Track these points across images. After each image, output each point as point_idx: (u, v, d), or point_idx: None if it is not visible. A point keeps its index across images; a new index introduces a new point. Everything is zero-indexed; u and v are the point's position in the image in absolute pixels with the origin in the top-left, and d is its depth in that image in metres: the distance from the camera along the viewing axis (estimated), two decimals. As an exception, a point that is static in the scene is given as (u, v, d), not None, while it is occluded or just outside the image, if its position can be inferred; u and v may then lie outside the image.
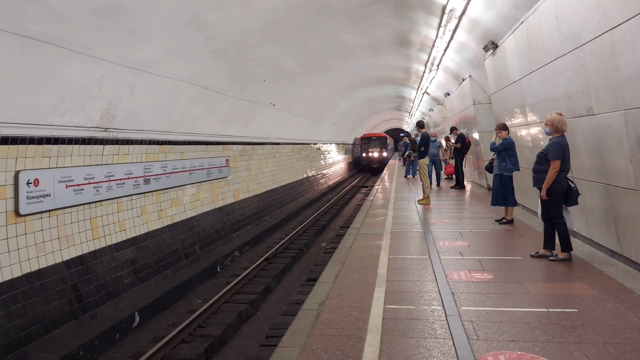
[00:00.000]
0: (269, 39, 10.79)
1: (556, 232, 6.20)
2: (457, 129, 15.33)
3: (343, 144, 35.93)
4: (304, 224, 15.99)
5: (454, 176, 17.91)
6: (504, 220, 8.79)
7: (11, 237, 6.34)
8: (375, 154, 39.88)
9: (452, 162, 16.79)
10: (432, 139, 16.13)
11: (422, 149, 12.00)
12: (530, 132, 8.84)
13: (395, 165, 31.12)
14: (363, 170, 41.92)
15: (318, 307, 4.80)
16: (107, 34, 6.93)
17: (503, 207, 8.84)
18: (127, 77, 7.93)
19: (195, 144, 11.54)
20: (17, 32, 5.57)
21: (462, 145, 14.29)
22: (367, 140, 40.90)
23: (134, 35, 7.41)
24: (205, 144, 12.08)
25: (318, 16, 10.56)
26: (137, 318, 7.77)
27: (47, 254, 6.92)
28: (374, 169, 39.32)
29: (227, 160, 13.53)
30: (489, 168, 9.03)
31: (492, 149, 8.76)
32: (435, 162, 16.28)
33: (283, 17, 9.90)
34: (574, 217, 7.35)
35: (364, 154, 40.49)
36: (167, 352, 6.64)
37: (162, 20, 7.62)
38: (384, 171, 27.15)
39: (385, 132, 55.36)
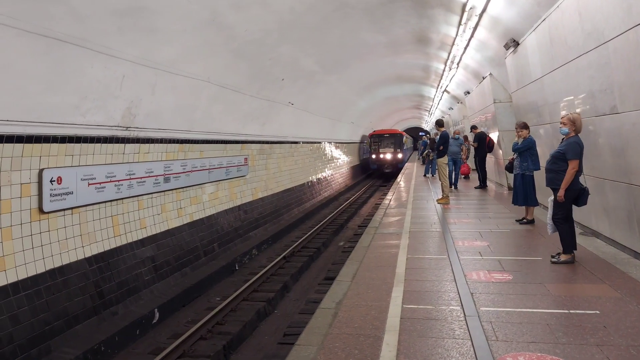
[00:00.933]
0: (287, 39, 10.82)
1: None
2: (476, 128, 15.17)
3: (360, 143, 35.67)
4: (321, 222, 16.00)
5: (469, 176, 17.75)
6: (525, 220, 8.68)
7: (35, 234, 6.48)
8: (388, 156, 32.44)
9: (466, 162, 16.67)
10: (456, 136, 15.70)
11: (441, 147, 11.91)
12: (551, 131, 8.71)
13: (414, 165, 30.89)
14: (373, 175, 35.32)
15: (336, 305, 4.80)
16: (129, 34, 7.02)
17: (524, 207, 8.74)
18: (147, 76, 8.03)
19: (214, 143, 11.63)
20: (42, 32, 5.68)
21: (483, 144, 14.11)
22: (378, 138, 33.25)
23: (155, 36, 7.50)
24: (224, 143, 12.17)
25: (336, 15, 10.55)
26: (157, 314, 7.87)
27: (69, 250, 7.05)
28: (385, 174, 32.40)
29: (245, 159, 13.61)
30: (509, 168, 8.94)
31: (514, 150, 8.67)
32: (457, 161, 15.32)
33: (301, 16, 9.92)
34: (597, 217, 7.23)
35: (373, 155, 32.94)
36: (186, 348, 6.71)
37: (182, 21, 7.69)
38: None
39: (403, 131, 48.20)
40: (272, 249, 13.02)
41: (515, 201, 8.71)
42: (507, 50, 10.41)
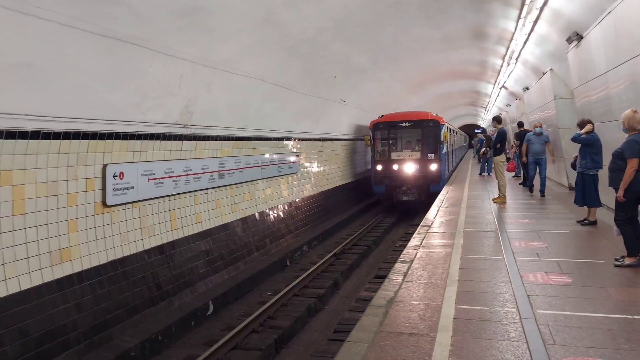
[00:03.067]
0: (340, 36, 10.83)
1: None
2: (522, 125, 14.61)
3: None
4: (372, 220, 15.92)
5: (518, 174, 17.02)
6: (587, 222, 8.31)
7: (99, 227, 6.81)
8: (411, 167, 16.99)
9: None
10: (537, 129, 12.45)
11: (498, 145, 11.58)
12: (616, 129, 8.28)
13: (469, 163, 30.04)
14: (379, 202, 19.96)
15: (386, 304, 4.78)
16: (187, 34, 7.24)
17: (585, 208, 8.37)
18: (204, 75, 8.25)
19: (267, 140, 11.82)
20: (105, 33, 5.94)
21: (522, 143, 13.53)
22: (388, 130, 17.67)
23: (211, 35, 7.69)
24: (276, 140, 12.34)
25: (390, 11, 10.46)
26: (211, 307, 8.08)
27: (130, 243, 7.36)
28: (403, 204, 17.38)
29: (297, 156, 13.74)
30: (574, 165, 8.59)
31: (572, 139, 8.32)
32: (540, 162, 12.26)
33: (355, 13, 9.90)
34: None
35: (378, 166, 17.40)
36: (238, 341, 6.86)
37: (237, 20, 7.85)
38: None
39: (460, 128, 39.66)
40: (322, 245, 13.09)
41: (577, 200, 8.39)
42: (569, 44, 9.98)
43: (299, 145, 13.89)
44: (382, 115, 17.78)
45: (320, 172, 15.86)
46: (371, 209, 19.38)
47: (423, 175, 16.75)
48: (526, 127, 15.48)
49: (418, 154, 17.13)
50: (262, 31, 8.66)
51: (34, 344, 5.47)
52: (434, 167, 16.79)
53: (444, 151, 17.10)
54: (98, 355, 6.01)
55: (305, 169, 14.59)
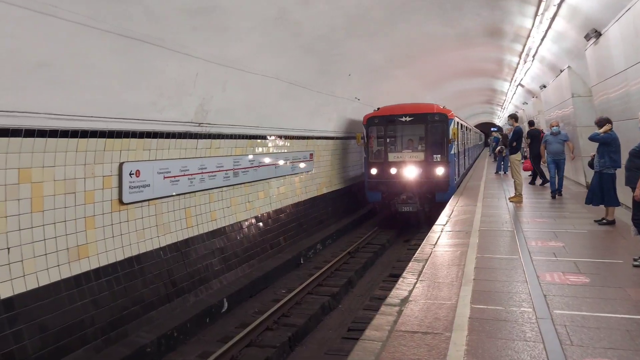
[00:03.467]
0: (354, 34, 10.79)
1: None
2: (533, 124, 14.43)
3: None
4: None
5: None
6: (605, 221, 8.19)
7: (115, 224, 6.89)
8: (412, 171, 14.15)
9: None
10: (554, 129, 11.95)
11: (514, 144, 11.46)
12: (635, 127, 8.15)
13: (484, 162, 29.78)
14: (373, 213, 17.19)
15: (401, 302, 4.76)
16: (202, 33, 7.28)
17: (603, 207, 8.24)
18: (219, 74, 8.29)
19: (281, 138, 11.85)
20: (121, 33, 6.00)
21: (537, 141, 13.38)
22: (384, 126, 14.89)
23: (226, 34, 7.72)
24: (290, 139, 12.36)
25: (404, 9, 10.39)
26: (226, 304, 8.14)
27: (146, 240, 7.44)
28: (403, 215, 14.97)
29: (311, 154, 13.74)
30: (592, 164, 8.46)
31: (590, 138, 8.20)
32: (559, 162, 11.76)
33: (369, 11, 9.86)
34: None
35: (373, 169, 14.69)
36: (253, 338, 6.90)
37: (251, 18, 7.87)
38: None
39: (476, 126, 36.82)
40: (336, 244, 13.09)
41: (589, 200, 8.24)
42: (587, 41, 9.83)
43: (313, 144, 13.89)
44: (378, 108, 15.04)
45: (333, 171, 15.84)
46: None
47: (427, 181, 13.89)
48: (542, 127, 15.24)
49: (421, 155, 14.21)
50: (276, 30, 8.67)
51: (52, 339, 5.56)
52: (440, 171, 13.90)
53: (452, 152, 14.10)
54: (115, 351, 6.08)
55: (320, 168, 14.58)
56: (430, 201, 14.00)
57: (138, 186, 7.23)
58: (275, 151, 11.58)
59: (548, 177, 12.53)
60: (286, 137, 12.12)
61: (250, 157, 10.44)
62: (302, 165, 13.15)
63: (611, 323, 4.04)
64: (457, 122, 15.95)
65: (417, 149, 14.47)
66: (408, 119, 14.40)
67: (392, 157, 14.47)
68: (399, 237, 14.35)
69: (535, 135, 13.51)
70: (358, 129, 15.85)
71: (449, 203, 11.97)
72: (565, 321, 4.10)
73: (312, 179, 13.97)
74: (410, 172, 14.02)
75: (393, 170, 14.21)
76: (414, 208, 14.20)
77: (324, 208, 14.33)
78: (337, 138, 15.90)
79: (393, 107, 15.00)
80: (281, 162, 11.91)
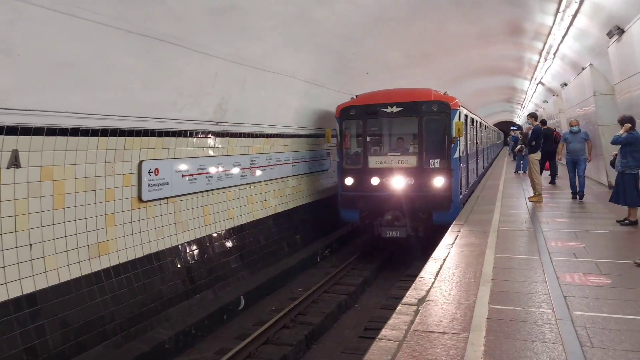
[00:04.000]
0: (372, 32, 10.76)
1: None
2: (545, 123, 14.20)
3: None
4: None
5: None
6: (627, 222, 8.03)
7: (135, 221, 6.98)
8: (401, 181, 10.19)
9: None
10: (574, 128, 11.44)
11: (534, 143, 11.29)
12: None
13: (504, 161, 29.42)
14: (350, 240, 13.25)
15: (418, 302, 4.73)
16: (221, 33, 7.33)
17: (626, 207, 8.09)
18: (237, 73, 8.33)
19: (298, 137, 11.85)
20: (143, 32, 6.07)
21: (550, 140, 13.17)
22: (363, 119, 10.71)
23: (245, 33, 7.76)
24: (307, 137, 12.37)
25: (424, 7, 10.33)
26: (243, 301, 8.19)
27: (164, 237, 7.52)
28: (388, 241, 11.09)
29: (327, 153, 13.74)
30: (613, 163, 8.31)
31: (612, 142, 8.05)
32: (579, 162, 11.18)
33: (387, 9, 9.82)
34: None
35: (348, 178, 10.67)
36: (270, 335, 6.92)
37: (270, 18, 7.89)
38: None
39: (495, 125, 34.42)
40: (353, 242, 13.06)
41: (614, 199, 8.12)
42: (610, 38, 9.65)
43: (330, 143, 13.87)
44: (356, 96, 11.16)
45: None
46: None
47: (421, 195, 10.12)
48: (563, 125, 15.03)
49: (413, 160, 10.34)
50: (294, 29, 8.69)
51: (73, 335, 5.65)
52: (439, 181, 10.09)
53: (456, 155, 10.18)
54: (133, 347, 6.16)
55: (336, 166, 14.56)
56: (425, 223, 10.40)
57: (157, 184, 7.31)
58: (292, 149, 11.59)
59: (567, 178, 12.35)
60: (303, 136, 12.13)
61: (267, 155, 10.47)
62: (319, 164, 13.15)
63: (633, 325, 3.96)
64: (465, 115, 11.82)
65: (407, 152, 10.77)
66: (395, 109, 10.36)
67: (373, 162, 10.63)
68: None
69: (548, 134, 13.31)
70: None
71: (468, 201, 11.59)
72: (585, 322, 4.03)
73: (327, 178, 13.96)
74: (398, 183, 10.26)
75: (375, 181, 10.42)
76: (402, 233, 10.43)
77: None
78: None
79: (376, 93, 11.17)
80: (298, 161, 11.92)
